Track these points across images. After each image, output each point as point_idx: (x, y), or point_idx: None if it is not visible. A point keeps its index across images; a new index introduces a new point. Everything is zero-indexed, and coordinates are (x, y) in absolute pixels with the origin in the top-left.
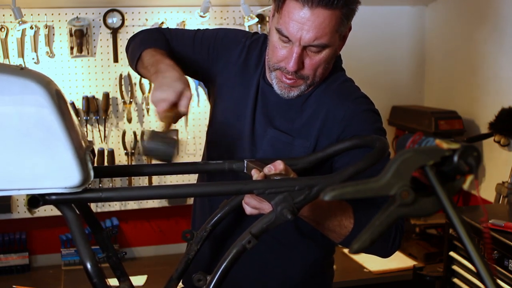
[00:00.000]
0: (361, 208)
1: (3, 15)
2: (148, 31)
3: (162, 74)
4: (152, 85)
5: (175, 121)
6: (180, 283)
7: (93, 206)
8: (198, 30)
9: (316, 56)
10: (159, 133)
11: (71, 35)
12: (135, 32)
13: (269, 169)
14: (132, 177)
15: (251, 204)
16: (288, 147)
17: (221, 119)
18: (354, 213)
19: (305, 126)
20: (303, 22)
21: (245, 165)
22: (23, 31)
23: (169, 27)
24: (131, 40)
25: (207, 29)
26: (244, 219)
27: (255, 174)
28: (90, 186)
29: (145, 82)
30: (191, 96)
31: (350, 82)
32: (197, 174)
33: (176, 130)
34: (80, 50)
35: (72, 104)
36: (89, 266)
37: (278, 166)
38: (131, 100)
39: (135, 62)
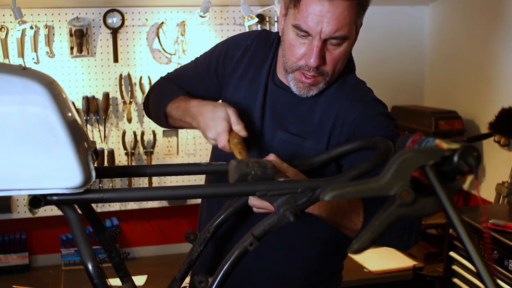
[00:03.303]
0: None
1: (3, 15)
2: (157, 86)
3: (198, 116)
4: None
5: (243, 144)
6: (184, 284)
7: (93, 206)
8: (196, 58)
9: (336, 50)
10: (243, 160)
11: (71, 35)
12: (135, 33)
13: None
14: (132, 178)
15: (256, 205)
16: (297, 149)
17: None
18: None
19: (315, 128)
20: (322, 15)
21: None
22: (23, 31)
23: (169, 72)
24: (147, 102)
25: (205, 53)
26: (248, 220)
27: None
28: (91, 186)
29: (145, 82)
30: (235, 110)
31: (362, 84)
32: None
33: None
34: (80, 50)
35: (72, 104)
36: (90, 266)
37: (269, 157)
38: (131, 100)
39: (165, 122)
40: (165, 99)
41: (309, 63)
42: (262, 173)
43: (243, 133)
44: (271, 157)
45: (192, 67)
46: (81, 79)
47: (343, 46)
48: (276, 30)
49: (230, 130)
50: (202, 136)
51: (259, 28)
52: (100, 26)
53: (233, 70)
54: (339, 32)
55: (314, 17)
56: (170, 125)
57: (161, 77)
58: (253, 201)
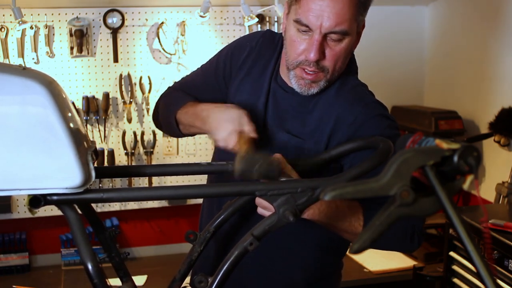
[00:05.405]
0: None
1: (3, 15)
2: (166, 95)
3: (208, 118)
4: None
5: (252, 145)
6: (184, 284)
7: (93, 205)
8: (202, 65)
9: (336, 46)
10: (251, 155)
11: (71, 35)
12: (135, 33)
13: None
14: (132, 177)
15: (262, 204)
16: (298, 151)
17: None
18: (366, 211)
19: (315, 129)
20: (323, 9)
21: None
22: (23, 31)
23: (176, 80)
24: (156, 114)
25: (211, 59)
26: (248, 220)
27: None
28: (91, 186)
29: (145, 82)
30: (246, 111)
31: (362, 87)
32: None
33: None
34: (80, 50)
35: (72, 104)
36: (90, 266)
37: (275, 155)
38: (131, 100)
39: (177, 129)
40: (173, 106)
41: (309, 58)
42: (267, 170)
43: (253, 134)
44: (278, 156)
45: (199, 74)
46: (81, 79)
47: (344, 43)
48: (276, 30)
49: (240, 132)
50: (202, 136)
51: (259, 28)
52: (100, 26)
53: (238, 71)
54: (339, 26)
55: (315, 11)
56: (182, 133)
57: (168, 87)
58: (260, 198)
